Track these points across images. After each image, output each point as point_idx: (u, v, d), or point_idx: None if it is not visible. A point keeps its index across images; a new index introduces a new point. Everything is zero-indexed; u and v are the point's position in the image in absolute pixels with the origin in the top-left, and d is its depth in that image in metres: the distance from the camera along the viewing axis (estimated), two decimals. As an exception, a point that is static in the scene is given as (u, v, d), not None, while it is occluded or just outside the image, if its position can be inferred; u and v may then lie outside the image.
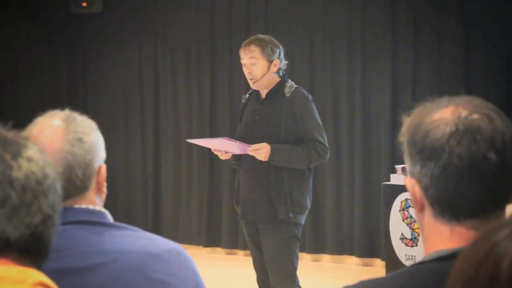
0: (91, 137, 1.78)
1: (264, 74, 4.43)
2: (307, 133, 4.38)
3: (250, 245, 4.65)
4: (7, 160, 1.19)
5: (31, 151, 1.22)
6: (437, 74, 7.13)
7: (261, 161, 4.33)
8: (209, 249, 8.17)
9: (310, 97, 4.50)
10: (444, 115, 1.36)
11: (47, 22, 8.71)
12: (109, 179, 7.09)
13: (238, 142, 4.36)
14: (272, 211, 4.39)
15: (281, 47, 4.52)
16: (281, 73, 4.50)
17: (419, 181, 1.37)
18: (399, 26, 7.28)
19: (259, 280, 4.62)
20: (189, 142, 4.89)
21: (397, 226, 5.76)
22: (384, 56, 7.33)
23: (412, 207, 1.43)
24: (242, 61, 4.50)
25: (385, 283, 1.37)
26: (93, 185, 1.78)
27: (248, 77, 4.49)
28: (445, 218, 1.35)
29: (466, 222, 1.33)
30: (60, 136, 1.73)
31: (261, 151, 4.32)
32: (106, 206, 7.18)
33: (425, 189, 1.36)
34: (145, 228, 8.00)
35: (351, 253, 7.51)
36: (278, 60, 4.45)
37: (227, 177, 8.01)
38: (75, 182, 1.72)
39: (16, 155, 1.20)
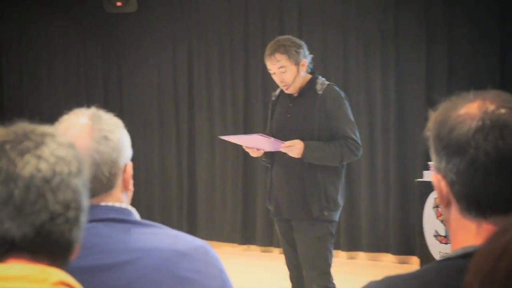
0: (117, 135, 1.78)
1: (295, 78, 4.41)
2: (340, 130, 4.35)
3: (282, 243, 4.63)
4: (13, 157, 1.18)
5: (45, 148, 1.20)
6: (472, 70, 7.05)
7: (294, 158, 4.31)
8: (244, 247, 8.18)
9: (342, 93, 4.47)
10: (471, 109, 1.34)
11: (82, 21, 8.79)
12: (145, 177, 7.16)
13: (272, 138, 4.34)
14: (307, 209, 4.36)
15: (302, 44, 4.46)
16: (309, 70, 4.47)
17: (445, 177, 1.35)
18: (433, 21, 7.21)
19: (292, 278, 4.60)
20: (222, 139, 4.89)
21: (431, 223, 5.71)
22: (418, 52, 7.26)
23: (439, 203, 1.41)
24: (270, 71, 4.47)
25: (410, 279, 1.36)
26: (119, 183, 1.78)
27: (280, 84, 4.47)
28: (472, 214, 1.33)
29: (493, 218, 1.31)
30: (86, 134, 1.73)
31: (294, 147, 4.30)
32: (142, 204, 7.29)
33: (451, 184, 1.34)
34: (180, 226, 8.11)
35: (387, 250, 7.47)
36: (305, 60, 4.42)
37: (261, 174, 8.01)
38: (101, 180, 1.73)
39: (24, 151, 1.19)
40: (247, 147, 4.48)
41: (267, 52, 4.45)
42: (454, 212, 1.36)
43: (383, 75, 7.44)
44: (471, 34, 7.07)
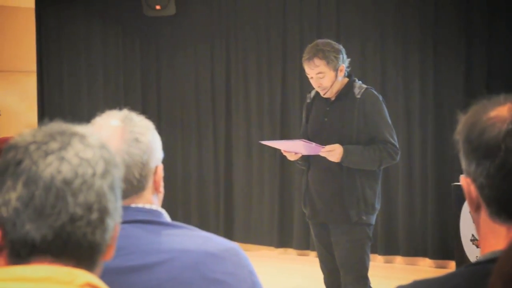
0: (148, 137, 1.79)
1: (333, 83, 4.39)
2: (379, 134, 4.34)
3: (317, 246, 4.62)
4: (36, 158, 1.17)
5: (70, 149, 1.19)
6: (512, 72, 6.96)
7: (332, 162, 4.31)
8: (281, 250, 8.17)
9: (380, 97, 4.46)
10: (501, 112, 1.32)
11: (121, 24, 8.86)
12: (182, 180, 7.20)
13: (313, 144, 4.33)
14: (345, 213, 4.35)
15: (341, 49, 4.44)
16: (346, 74, 4.45)
17: (474, 180, 1.34)
18: (472, 24, 7.14)
19: (327, 282, 4.59)
20: (261, 144, 4.89)
21: (467, 227, 5.65)
22: (457, 56, 7.19)
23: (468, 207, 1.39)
24: (308, 75, 4.45)
25: (438, 283, 1.35)
26: (150, 185, 1.79)
27: (318, 89, 4.45)
28: (502, 218, 1.31)
29: None
30: (118, 136, 1.75)
31: (334, 152, 4.28)
32: (179, 207, 7.31)
33: (480, 188, 1.33)
34: (217, 229, 8.12)
35: (424, 254, 7.41)
36: (343, 65, 4.40)
37: (298, 177, 7.99)
38: (132, 182, 1.74)
39: (48, 153, 1.18)
40: (285, 151, 4.48)
41: (305, 56, 4.43)
42: (484, 216, 1.35)
43: (421, 79, 7.38)
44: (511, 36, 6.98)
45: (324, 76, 4.36)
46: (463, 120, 1.39)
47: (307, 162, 4.55)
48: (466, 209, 5.76)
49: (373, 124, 4.34)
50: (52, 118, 1.29)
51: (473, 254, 5.63)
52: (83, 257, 1.19)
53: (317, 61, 4.36)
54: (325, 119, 4.47)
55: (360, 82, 4.50)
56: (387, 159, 4.33)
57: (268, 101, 8.26)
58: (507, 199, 1.30)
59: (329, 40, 4.53)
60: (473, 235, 5.62)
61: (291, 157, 4.48)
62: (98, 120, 1.81)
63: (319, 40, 4.55)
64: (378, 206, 4.44)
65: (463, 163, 1.37)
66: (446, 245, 7.18)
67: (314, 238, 4.64)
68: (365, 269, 4.40)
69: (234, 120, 8.50)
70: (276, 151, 8.09)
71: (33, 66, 8.57)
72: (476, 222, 1.38)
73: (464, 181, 1.37)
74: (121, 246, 1.64)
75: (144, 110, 7.68)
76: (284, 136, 7.81)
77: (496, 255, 1.29)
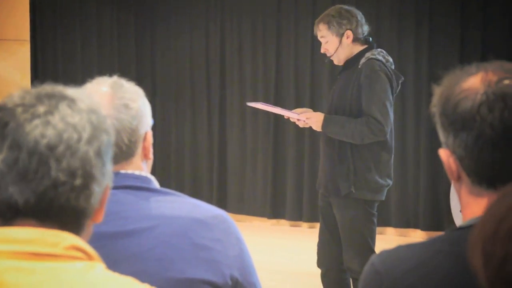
0: (138, 103, 1.80)
1: (337, 49, 4.31)
2: (365, 107, 4.16)
3: (320, 216, 4.54)
4: (22, 122, 1.17)
5: (56, 113, 1.18)
6: (506, 57, 6.94)
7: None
8: (273, 221, 8.21)
9: (382, 70, 4.21)
10: (473, 83, 1.33)
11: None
12: (176, 150, 7.19)
13: (279, 108, 4.37)
14: (337, 186, 4.27)
15: (353, 15, 4.32)
16: (362, 40, 4.33)
17: (453, 152, 1.35)
18: (467, 8, 7.15)
19: (319, 252, 4.53)
20: (249, 106, 4.90)
21: (457, 198, 5.68)
22: (452, 39, 7.24)
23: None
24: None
25: (422, 248, 1.37)
26: (139, 151, 1.80)
27: (327, 54, 4.40)
28: (483, 187, 1.33)
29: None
30: (107, 102, 1.75)
31: (312, 120, 4.25)
32: (172, 177, 7.30)
33: (460, 159, 1.34)
34: (210, 199, 8.14)
35: (416, 226, 7.46)
36: (350, 31, 4.28)
37: (292, 149, 8.02)
38: (121, 148, 1.75)
39: (34, 116, 1.17)
40: (288, 117, 4.45)
41: (316, 21, 4.42)
42: (465, 185, 1.36)
43: (416, 61, 7.41)
44: (506, 22, 6.98)
45: (327, 41, 4.31)
46: (437, 93, 1.39)
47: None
48: (456, 180, 5.79)
49: (364, 96, 4.17)
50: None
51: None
52: (68, 221, 1.19)
53: (321, 25, 4.32)
54: (334, 87, 4.45)
55: (378, 51, 4.30)
56: (368, 134, 4.14)
57: (263, 73, 8.24)
58: (487, 169, 1.31)
59: (343, 6, 4.42)
60: (463, 206, 5.65)
61: (300, 124, 4.42)
62: (88, 86, 1.81)
63: (336, 5, 4.46)
64: (382, 182, 4.26)
65: (441, 136, 1.39)
66: (438, 216, 7.23)
67: (319, 208, 4.55)
68: (367, 244, 4.26)
69: (228, 92, 8.49)
70: (270, 121, 8.10)
71: (27, 35, 8.52)
72: (458, 191, 1.40)
73: (443, 153, 1.38)
74: (110, 211, 1.66)
75: (138, 81, 7.66)
76: (278, 105, 7.78)
77: (477, 220, 1.31)
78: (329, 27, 4.29)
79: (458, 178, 1.37)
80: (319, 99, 7.81)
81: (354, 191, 4.21)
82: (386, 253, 1.42)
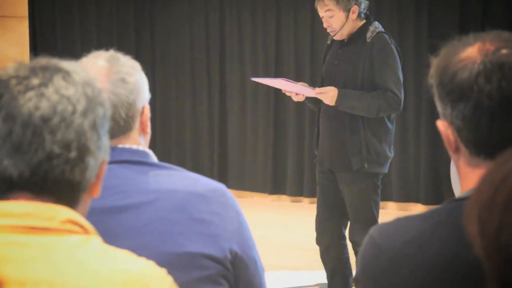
0: (135, 77, 1.78)
1: (343, 25, 4.25)
2: (381, 81, 4.19)
3: (318, 192, 4.54)
4: (15, 94, 1.16)
5: (51, 85, 1.17)
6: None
7: (339, 108, 4.21)
8: (274, 197, 8.22)
9: (393, 43, 4.27)
10: (471, 53, 1.32)
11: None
12: (176, 128, 7.19)
13: (299, 84, 4.27)
14: (347, 160, 4.26)
15: None
16: (362, 16, 4.30)
17: (451, 123, 1.35)
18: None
19: (318, 228, 4.51)
20: (253, 81, 4.84)
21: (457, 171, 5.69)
22: (452, 16, 7.21)
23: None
24: (320, 15, 4.32)
25: (421, 219, 1.36)
26: (136, 126, 1.79)
27: (328, 30, 4.34)
28: (481, 158, 1.33)
29: None
30: (103, 76, 1.74)
31: (327, 95, 4.19)
32: (173, 154, 7.30)
33: (458, 130, 1.34)
34: (211, 175, 8.15)
35: (416, 200, 7.47)
36: (356, 6, 4.24)
37: (293, 125, 8.01)
38: (118, 122, 1.74)
39: (28, 88, 1.16)
40: (286, 91, 4.40)
41: None
42: (464, 157, 1.36)
43: (416, 28, 7.38)
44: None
45: (333, 16, 4.23)
46: (435, 64, 1.39)
47: (318, 105, 4.45)
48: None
49: (378, 70, 4.18)
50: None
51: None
52: (63, 195, 1.19)
53: (327, 0, 4.25)
54: (335, 61, 4.37)
55: (377, 25, 4.32)
56: (386, 108, 4.18)
57: (263, 49, 8.22)
58: (485, 140, 1.31)
59: None
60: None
61: (294, 98, 4.37)
62: (84, 60, 1.80)
63: None
64: (389, 154, 4.32)
65: (439, 107, 1.38)
66: (439, 190, 7.24)
67: (317, 182, 4.53)
68: (373, 217, 4.31)
69: (228, 67, 8.46)
70: (270, 98, 8.09)
71: (25, 12, 8.48)
72: (456, 163, 1.39)
73: (441, 124, 1.37)
74: (108, 186, 1.65)
75: (137, 57, 7.64)
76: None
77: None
78: (337, 2, 4.22)
79: (456, 150, 1.36)
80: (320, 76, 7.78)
81: (367, 166, 4.23)
82: (384, 226, 1.41)
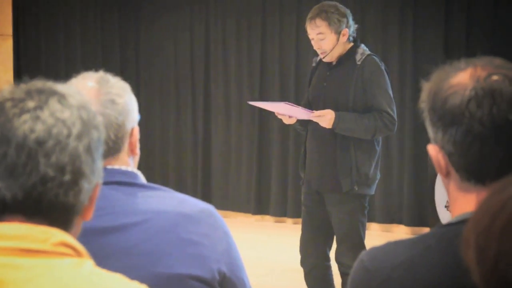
0: (124, 99, 1.78)
1: (334, 47, 4.27)
2: (375, 103, 4.20)
3: (303, 213, 4.52)
4: (11, 116, 1.15)
5: (46, 108, 1.17)
6: (491, 42, 6.97)
7: (329, 129, 4.20)
8: (258, 217, 8.21)
9: (383, 66, 4.30)
10: (462, 79, 1.33)
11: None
12: (160, 145, 7.16)
13: (300, 107, 4.25)
14: (337, 182, 4.25)
15: (348, 13, 4.32)
16: (351, 39, 4.32)
17: (442, 148, 1.35)
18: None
19: (302, 250, 4.51)
20: (251, 104, 4.82)
21: (442, 194, 5.69)
22: (436, 26, 7.24)
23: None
24: (310, 36, 4.32)
25: (411, 244, 1.37)
26: (125, 147, 1.79)
27: (318, 51, 4.33)
28: (471, 183, 1.33)
29: (492, 185, 1.31)
30: (93, 97, 1.73)
31: (325, 118, 4.17)
32: (156, 172, 7.29)
33: (449, 155, 1.34)
34: (194, 195, 8.12)
35: (399, 221, 7.48)
36: (347, 29, 4.26)
37: (276, 145, 8.02)
38: (107, 143, 1.73)
39: (24, 111, 1.16)
40: (278, 113, 4.39)
41: (308, 15, 4.30)
42: (454, 181, 1.37)
43: (401, 49, 7.41)
44: (491, 6, 7.00)
45: (325, 38, 4.23)
46: (426, 88, 1.39)
47: (306, 128, 4.45)
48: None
49: (371, 92, 4.20)
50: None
51: (447, 220, 5.70)
52: (57, 217, 1.18)
53: (318, 21, 4.23)
54: (324, 83, 4.37)
55: (365, 48, 4.35)
56: (382, 129, 4.20)
57: (247, 66, 8.25)
58: (476, 165, 1.32)
59: (335, 3, 4.39)
60: (447, 202, 5.68)
61: (286, 121, 4.35)
62: (74, 81, 1.80)
63: (326, 1, 4.39)
64: (376, 176, 4.35)
65: (430, 131, 1.39)
66: (422, 212, 7.25)
67: (302, 203, 4.51)
68: (360, 238, 4.30)
69: (212, 86, 8.48)
70: (255, 116, 8.10)
71: (9, 30, 8.48)
72: (446, 187, 1.40)
73: (432, 148, 1.38)
74: (97, 207, 1.64)
75: (122, 75, 7.64)
76: (263, 101, 7.80)
77: (466, 216, 1.31)
78: (329, 24, 4.23)
79: (447, 174, 1.37)
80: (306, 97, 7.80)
81: (356, 188, 4.24)
82: (375, 250, 1.42)
